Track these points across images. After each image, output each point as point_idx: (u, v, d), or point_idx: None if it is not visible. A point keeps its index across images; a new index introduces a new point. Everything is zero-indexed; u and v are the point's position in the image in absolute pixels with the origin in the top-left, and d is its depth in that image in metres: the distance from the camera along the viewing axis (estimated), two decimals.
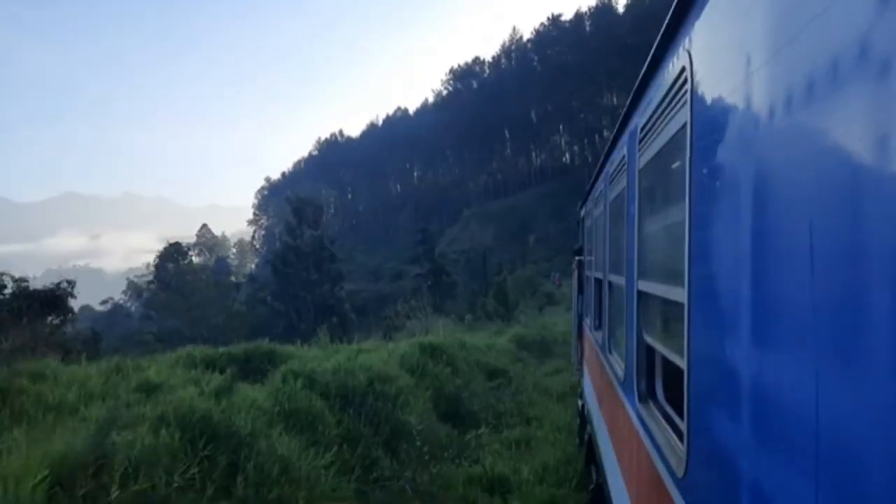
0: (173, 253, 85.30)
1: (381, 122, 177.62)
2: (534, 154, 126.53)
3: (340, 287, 68.79)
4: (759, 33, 1.50)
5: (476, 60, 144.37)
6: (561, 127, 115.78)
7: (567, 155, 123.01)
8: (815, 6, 1.20)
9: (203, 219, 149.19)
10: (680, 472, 2.04)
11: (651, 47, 2.63)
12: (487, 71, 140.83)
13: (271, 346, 13.04)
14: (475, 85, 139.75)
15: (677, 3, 2.22)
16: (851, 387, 1.02)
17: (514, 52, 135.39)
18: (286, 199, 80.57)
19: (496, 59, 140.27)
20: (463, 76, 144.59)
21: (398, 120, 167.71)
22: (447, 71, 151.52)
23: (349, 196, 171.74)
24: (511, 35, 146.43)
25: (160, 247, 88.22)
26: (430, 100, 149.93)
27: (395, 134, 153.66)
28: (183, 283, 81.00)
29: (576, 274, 8.69)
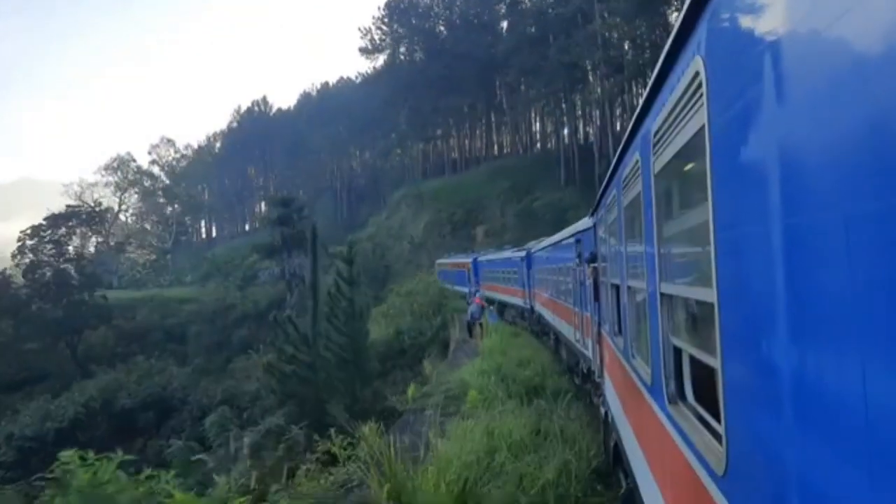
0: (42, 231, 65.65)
1: (315, 92, 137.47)
2: (492, 116, 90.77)
3: None
4: (774, 34, 1.54)
5: None
6: (523, 82, 76.49)
7: (534, 115, 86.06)
8: (832, 6, 1.24)
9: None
10: (720, 471, 2.05)
11: None
12: None
13: None
14: (414, 21, 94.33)
15: (687, 10, 2.27)
16: None
17: None
18: None
19: None
20: (401, 10, 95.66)
21: (339, 89, 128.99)
22: (381, 5, 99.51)
23: (275, 177, 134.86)
24: None
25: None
26: (362, 44, 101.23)
27: (333, 105, 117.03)
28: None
29: (591, 281, 8.72)
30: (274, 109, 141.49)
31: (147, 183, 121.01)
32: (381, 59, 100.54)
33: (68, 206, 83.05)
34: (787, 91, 1.49)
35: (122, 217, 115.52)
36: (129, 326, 64.18)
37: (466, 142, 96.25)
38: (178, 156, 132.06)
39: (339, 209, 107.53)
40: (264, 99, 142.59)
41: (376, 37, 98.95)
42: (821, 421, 1.35)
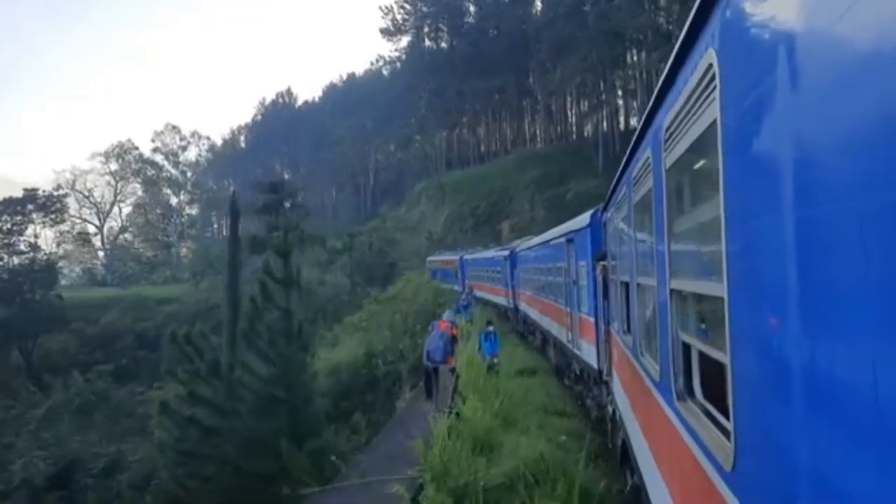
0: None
1: (341, 83, 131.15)
2: (523, 101, 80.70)
3: None
4: (788, 26, 1.53)
5: None
6: (557, 59, 65.72)
7: (570, 99, 75.03)
8: None
9: None
10: (728, 467, 2.05)
11: None
12: None
13: None
14: None
15: (701, 2, 2.26)
16: None
17: None
18: None
19: None
20: None
21: (364, 80, 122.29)
22: None
23: (300, 171, 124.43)
24: None
25: None
26: (383, 25, 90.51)
27: (359, 96, 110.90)
28: None
29: (600, 279, 8.71)
30: (300, 101, 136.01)
31: (150, 172, 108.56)
32: (403, 41, 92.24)
33: (26, 191, 70.92)
34: (801, 83, 1.47)
35: (118, 207, 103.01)
36: (93, 330, 57.17)
37: (494, 130, 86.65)
38: (183, 143, 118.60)
39: (362, 203, 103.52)
40: (289, 91, 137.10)
41: (398, 16, 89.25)
42: (831, 416, 1.34)
